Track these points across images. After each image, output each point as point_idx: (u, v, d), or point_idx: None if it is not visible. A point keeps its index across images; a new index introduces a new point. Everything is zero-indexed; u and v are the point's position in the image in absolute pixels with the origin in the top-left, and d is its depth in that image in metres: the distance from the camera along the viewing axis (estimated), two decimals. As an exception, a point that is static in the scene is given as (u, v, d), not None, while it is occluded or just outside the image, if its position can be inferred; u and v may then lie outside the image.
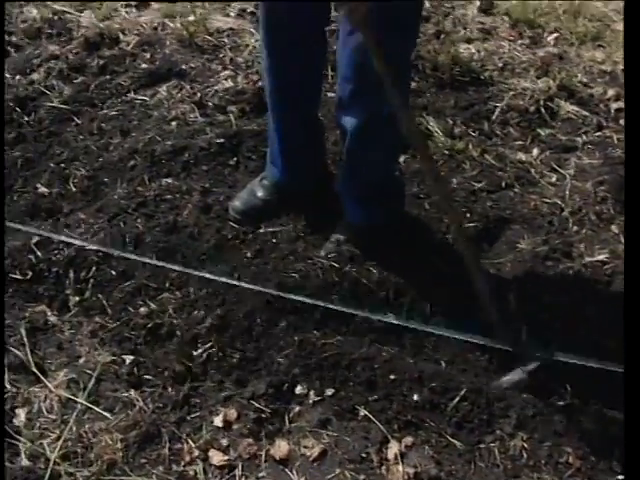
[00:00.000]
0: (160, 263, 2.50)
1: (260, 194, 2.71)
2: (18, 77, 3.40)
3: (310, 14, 2.34)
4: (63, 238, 2.58)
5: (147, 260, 2.51)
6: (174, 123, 3.11)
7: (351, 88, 2.31)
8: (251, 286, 2.41)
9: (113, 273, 2.50)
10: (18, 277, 2.51)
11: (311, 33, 2.42)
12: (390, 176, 2.62)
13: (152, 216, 2.69)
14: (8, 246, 2.58)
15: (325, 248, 2.58)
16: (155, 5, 3.76)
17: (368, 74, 2.06)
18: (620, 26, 3.67)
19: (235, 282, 2.43)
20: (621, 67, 3.39)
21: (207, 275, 2.45)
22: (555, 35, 3.61)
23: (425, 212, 2.73)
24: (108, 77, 3.36)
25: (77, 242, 2.56)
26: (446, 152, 2.95)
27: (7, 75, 3.42)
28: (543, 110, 3.16)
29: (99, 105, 3.23)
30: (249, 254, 2.56)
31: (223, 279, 2.43)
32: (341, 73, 2.34)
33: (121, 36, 3.56)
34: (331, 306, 2.37)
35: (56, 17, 3.73)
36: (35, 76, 3.40)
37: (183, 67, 3.36)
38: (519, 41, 3.55)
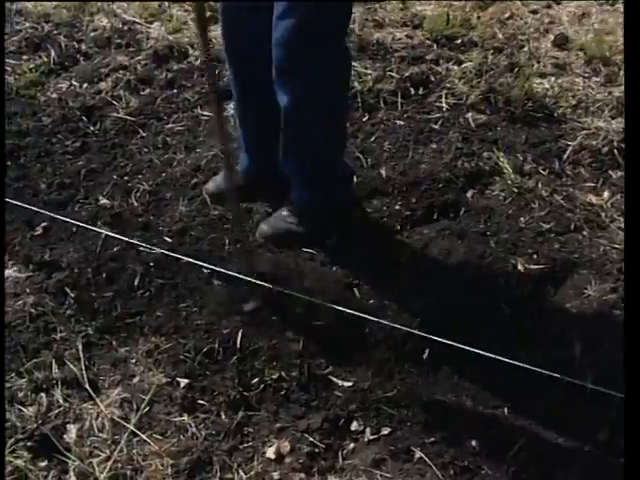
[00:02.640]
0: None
1: None
2: (85, 85, 3.41)
3: None
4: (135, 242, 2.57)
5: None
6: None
7: (279, 69, 2.37)
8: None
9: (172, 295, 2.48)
10: (76, 289, 2.50)
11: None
12: (331, 161, 2.66)
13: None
14: (67, 258, 2.57)
15: (266, 222, 2.70)
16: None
17: (292, 58, 2.29)
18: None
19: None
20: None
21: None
22: (631, 74, 3.51)
23: (490, 250, 2.66)
24: (175, 91, 3.35)
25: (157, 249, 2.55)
26: (515, 190, 2.87)
27: (75, 83, 3.43)
28: (616, 152, 3.07)
29: (165, 119, 3.22)
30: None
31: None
32: (273, 55, 2.37)
33: (190, 50, 3.55)
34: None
35: (126, 27, 3.73)
36: (102, 85, 3.40)
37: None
38: (594, 78, 3.46)
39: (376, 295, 2.50)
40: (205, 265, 2.44)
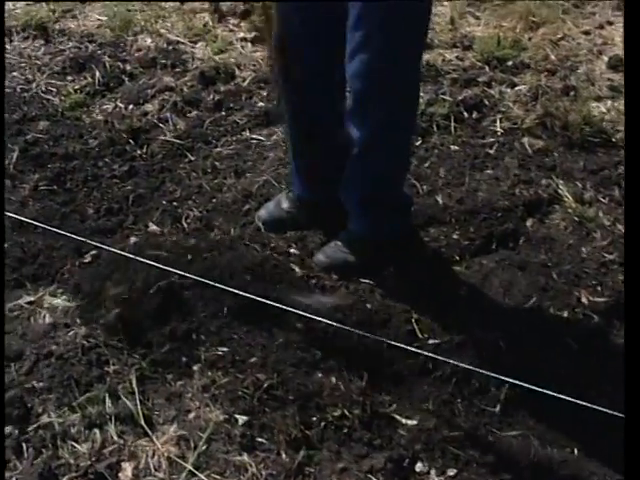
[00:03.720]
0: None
1: (285, 205, 2.75)
2: (131, 107, 3.36)
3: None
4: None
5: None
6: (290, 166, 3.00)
7: (355, 99, 2.32)
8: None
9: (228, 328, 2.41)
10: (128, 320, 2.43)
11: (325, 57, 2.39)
12: (395, 191, 2.60)
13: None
14: (118, 288, 2.50)
15: (323, 251, 2.62)
16: (271, 41, 3.67)
17: (372, 89, 2.25)
18: None
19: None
20: None
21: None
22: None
23: (553, 282, 2.58)
24: (223, 113, 3.29)
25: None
26: (575, 218, 2.79)
27: (120, 104, 3.38)
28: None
29: (213, 142, 3.16)
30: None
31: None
32: (350, 86, 2.34)
33: (237, 71, 3.49)
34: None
35: (170, 47, 3.68)
36: (149, 107, 3.34)
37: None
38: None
39: (438, 330, 2.41)
40: (263, 300, 2.35)
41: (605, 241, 2.74)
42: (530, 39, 3.68)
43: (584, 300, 2.52)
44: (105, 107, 3.37)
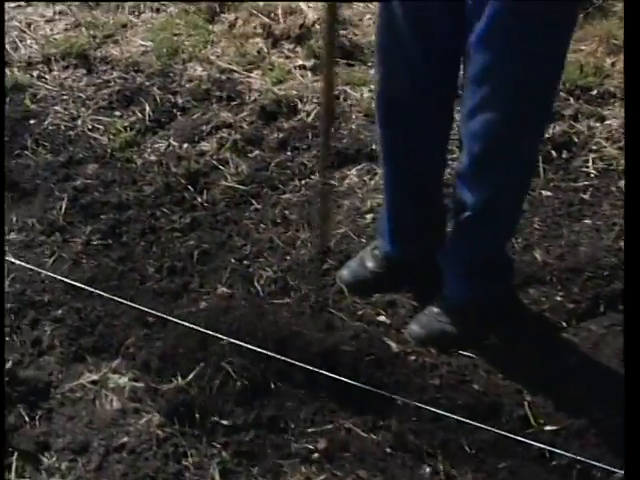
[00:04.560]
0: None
1: (370, 265, 2.49)
2: (186, 146, 3.08)
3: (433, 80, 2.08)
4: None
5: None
6: (369, 216, 2.73)
7: (476, 163, 2.05)
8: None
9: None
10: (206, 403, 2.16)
11: (431, 101, 2.14)
12: (499, 253, 2.36)
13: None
14: (191, 365, 2.23)
15: (418, 321, 2.36)
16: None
17: (495, 151, 2.00)
18: None
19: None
20: None
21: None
22: None
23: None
24: (289, 154, 3.01)
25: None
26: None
27: (174, 142, 3.10)
28: None
29: (280, 187, 2.88)
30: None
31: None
32: (465, 146, 2.08)
33: (299, 104, 3.21)
34: None
35: (224, 77, 3.40)
36: (205, 146, 3.07)
37: (373, 147, 2.97)
38: None
39: (553, 413, 2.15)
40: (362, 386, 2.09)
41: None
42: (613, 65, 3.39)
43: None
44: (157, 146, 3.09)
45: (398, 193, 2.34)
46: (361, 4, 3.82)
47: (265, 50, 3.51)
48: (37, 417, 2.19)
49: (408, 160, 2.25)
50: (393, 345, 2.29)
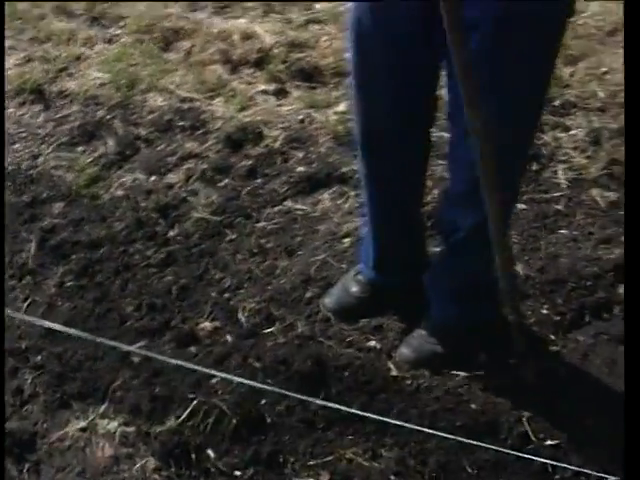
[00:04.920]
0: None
1: (354, 290, 2.47)
2: (153, 178, 3.02)
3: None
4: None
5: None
6: (347, 240, 2.71)
7: (467, 188, 2.03)
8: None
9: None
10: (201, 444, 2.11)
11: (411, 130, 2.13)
12: (487, 272, 2.29)
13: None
14: (180, 403, 2.18)
15: (408, 344, 2.33)
16: (295, 93, 3.37)
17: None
18: None
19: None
20: None
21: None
22: None
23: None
24: (259, 181, 2.97)
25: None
26: None
27: (140, 175, 3.05)
28: None
29: (254, 216, 2.83)
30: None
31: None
32: (459, 171, 2.08)
33: (264, 130, 3.17)
34: None
35: (185, 106, 3.35)
36: (173, 178, 3.02)
37: (344, 170, 2.96)
38: None
39: (552, 428, 2.14)
40: (362, 414, 2.05)
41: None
42: (572, 75, 3.42)
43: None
44: (124, 180, 3.03)
45: (381, 220, 2.32)
46: (317, 26, 3.80)
47: (225, 76, 3.48)
48: (25, 470, 2.12)
49: (390, 187, 2.23)
50: (386, 370, 2.27)
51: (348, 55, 2.06)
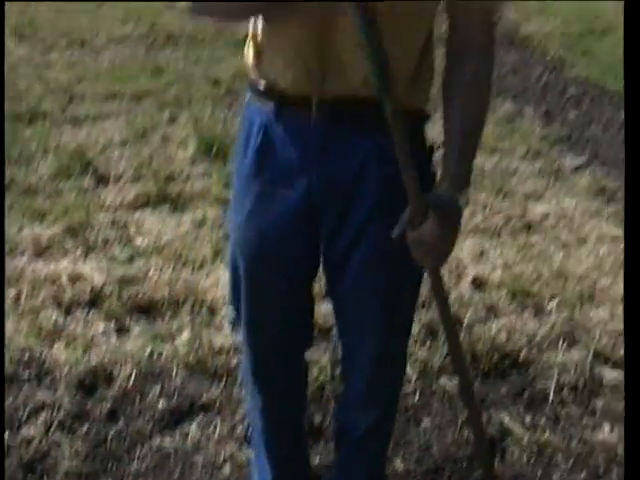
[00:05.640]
0: None
1: None
2: (8, 435, 2.89)
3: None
4: None
5: None
6: (227, 466, 2.72)
7: (366, 389, 2.16)
8: None
9: None
10: None
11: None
12: (383, 466, 2.47)
13: None
14: None
15: None
16: (136, 329, 3.40)
17: (385, 374, 2.12)
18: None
19: None
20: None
21: None
22: (557, 300, 3.59)
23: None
24: (122, 423, 2.92)
25: None
26: (534, 449, 2.75)
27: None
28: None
29: (125, 459, 2.78)
30: None
31: None
32: (354, 377, 2.18)
33: (115, 370, 3.16)
34: None
35: (26, 356, 3.25)
36: (29, 431, 2.89)
37: (205, 398, 3.00)
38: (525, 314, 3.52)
39: None
40: None
41: (568, 463, 2.72)
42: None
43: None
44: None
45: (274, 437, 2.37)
46: (141, 260, 3.90)
47: (60, 320, 3.44)
48: None
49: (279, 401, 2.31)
50: None
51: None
